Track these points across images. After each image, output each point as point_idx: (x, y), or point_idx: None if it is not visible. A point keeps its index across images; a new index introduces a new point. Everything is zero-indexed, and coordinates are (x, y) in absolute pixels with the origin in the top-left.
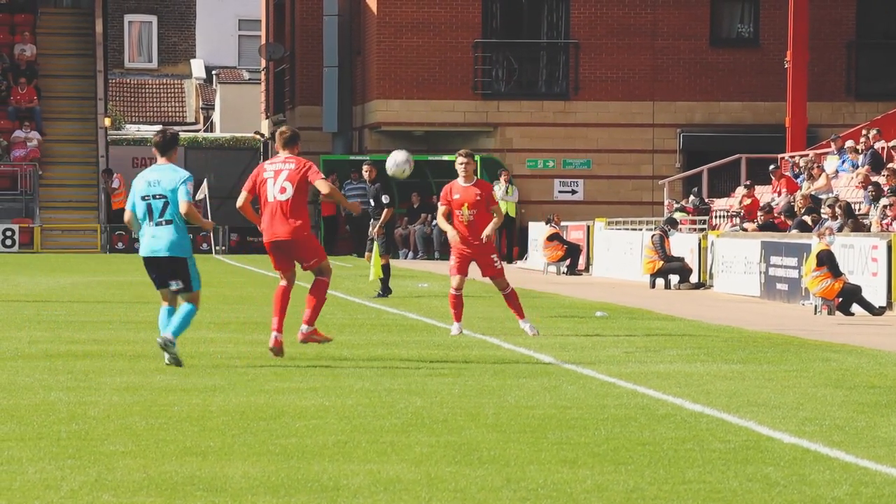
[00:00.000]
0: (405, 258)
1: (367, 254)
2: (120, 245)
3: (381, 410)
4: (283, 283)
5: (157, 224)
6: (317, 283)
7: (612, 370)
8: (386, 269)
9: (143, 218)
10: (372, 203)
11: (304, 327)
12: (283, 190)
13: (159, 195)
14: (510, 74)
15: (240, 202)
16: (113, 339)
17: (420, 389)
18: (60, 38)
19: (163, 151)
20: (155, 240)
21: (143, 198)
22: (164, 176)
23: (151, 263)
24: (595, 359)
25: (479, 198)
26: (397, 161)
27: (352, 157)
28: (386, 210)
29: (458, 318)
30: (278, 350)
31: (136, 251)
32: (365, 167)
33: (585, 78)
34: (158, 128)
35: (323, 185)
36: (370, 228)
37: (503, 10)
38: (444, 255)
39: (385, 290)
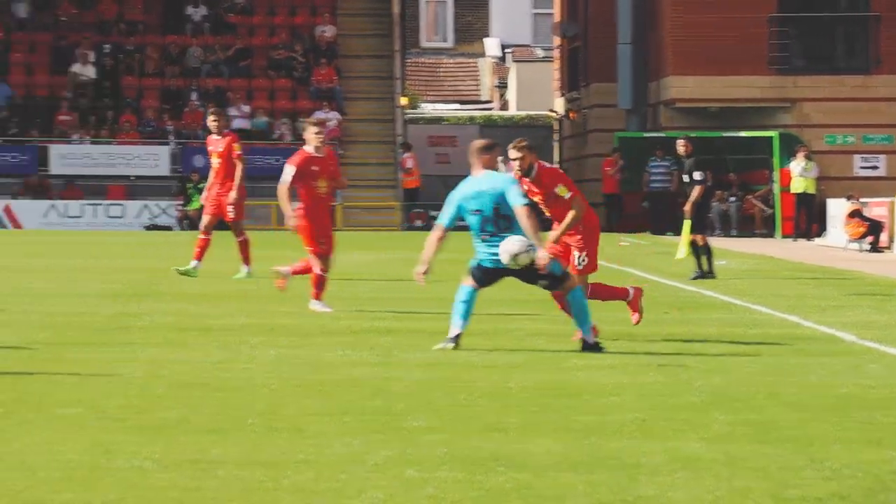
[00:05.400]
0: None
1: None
2: (418, 223)
3: (679, 388)
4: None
5: None
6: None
7: None
8: (706, 249)
9: None
10: (687, 179)
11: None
12: None
13: None
14: (806, 49)
15: None
16: (413, 315)
17: (719, 367)
18: (359, 18)
19: None
20: None
21: None
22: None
23: None
24: None
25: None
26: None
27: (646, 135)
28: (698, 187)
29: None
30: None
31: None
32: (680, 141)
33: (887, 51)
34: (454, 107)
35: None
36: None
37: None
38: (743, 233)
39: (705, 272)
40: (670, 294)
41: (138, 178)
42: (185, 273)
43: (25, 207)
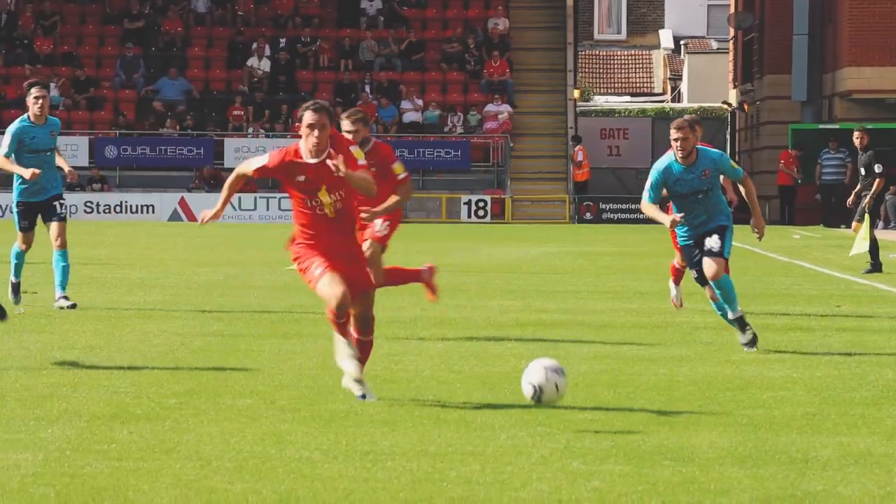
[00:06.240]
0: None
1: (854, 224)
2: (588, 216)
3: (850, 382)
4: None
5: None
6: None
7: None
8: (873, 242)
9: None
10: (863, 172)
11: None
12: None
13: None
14: None
15: None
16: (580, 308)
17: (892, 362)
18: (532, 11)
19: None
20: None
21: None
22: None
23: None
24: None
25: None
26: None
27: (821, 126)
28: (878, 180)
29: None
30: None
31: (604, 221)
32: (856, 133)
33: None
34: (626, 99)
35: None
36: (862, 199)
37: None
38: None
39: (876, 265)
40: (843, 287)
41: None
42: None
43: (199, 200)
